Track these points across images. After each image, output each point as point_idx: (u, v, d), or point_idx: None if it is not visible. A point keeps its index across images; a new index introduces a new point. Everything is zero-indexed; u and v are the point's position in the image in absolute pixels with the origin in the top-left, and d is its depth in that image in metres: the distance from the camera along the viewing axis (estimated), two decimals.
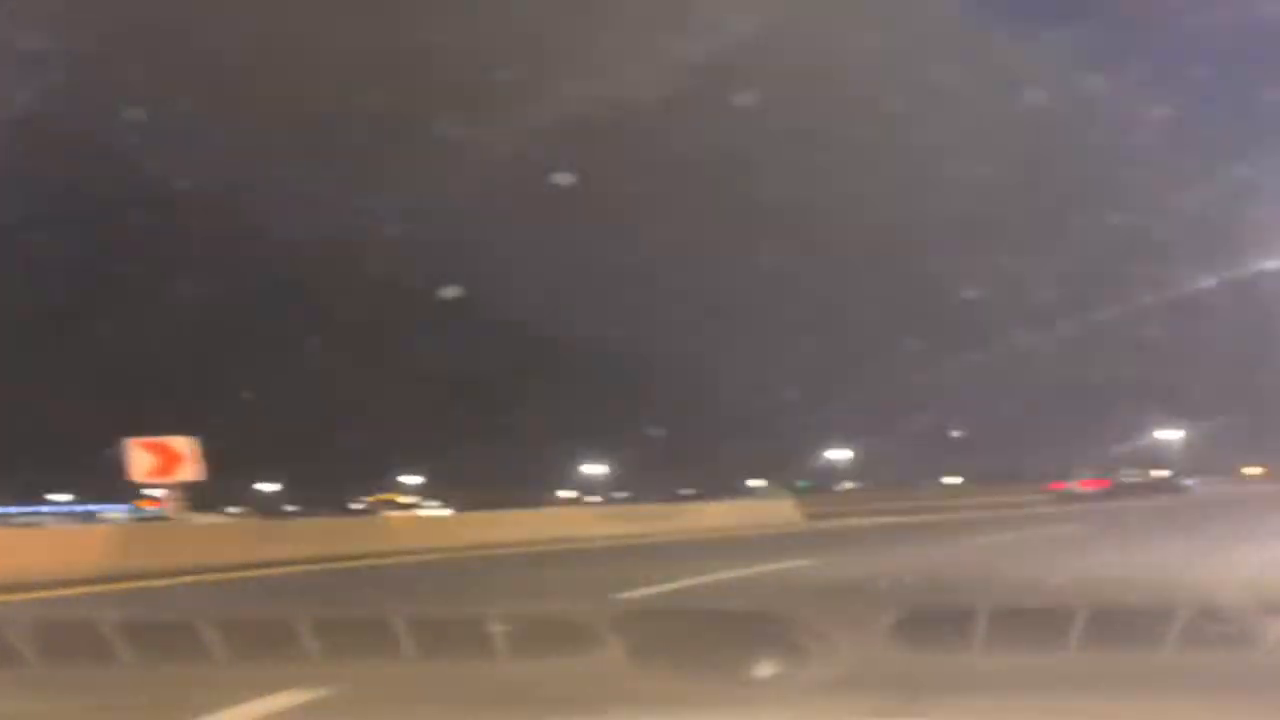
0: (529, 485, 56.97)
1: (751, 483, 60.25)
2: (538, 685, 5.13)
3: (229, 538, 17.67)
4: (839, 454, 68.56)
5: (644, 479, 61.49)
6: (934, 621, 6.29)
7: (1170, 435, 70.08)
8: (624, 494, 61.47)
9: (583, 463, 70.73)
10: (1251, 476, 64.25)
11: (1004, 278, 44.47)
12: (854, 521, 26.17)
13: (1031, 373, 58.14)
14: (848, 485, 64.65)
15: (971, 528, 21.21)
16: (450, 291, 38.76)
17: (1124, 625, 5.80)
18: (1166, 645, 5.09)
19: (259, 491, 68.70)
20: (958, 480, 59.64)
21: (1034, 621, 6.02)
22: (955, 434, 68.55)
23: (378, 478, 65.48)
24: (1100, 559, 13.38)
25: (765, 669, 5.03)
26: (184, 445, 16.13)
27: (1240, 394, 59.00)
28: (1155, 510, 27.38)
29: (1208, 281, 38.52)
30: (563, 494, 65.57)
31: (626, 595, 9.60)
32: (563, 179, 29.83)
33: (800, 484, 61.98)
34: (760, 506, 26.94)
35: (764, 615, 6.94)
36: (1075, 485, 46.15)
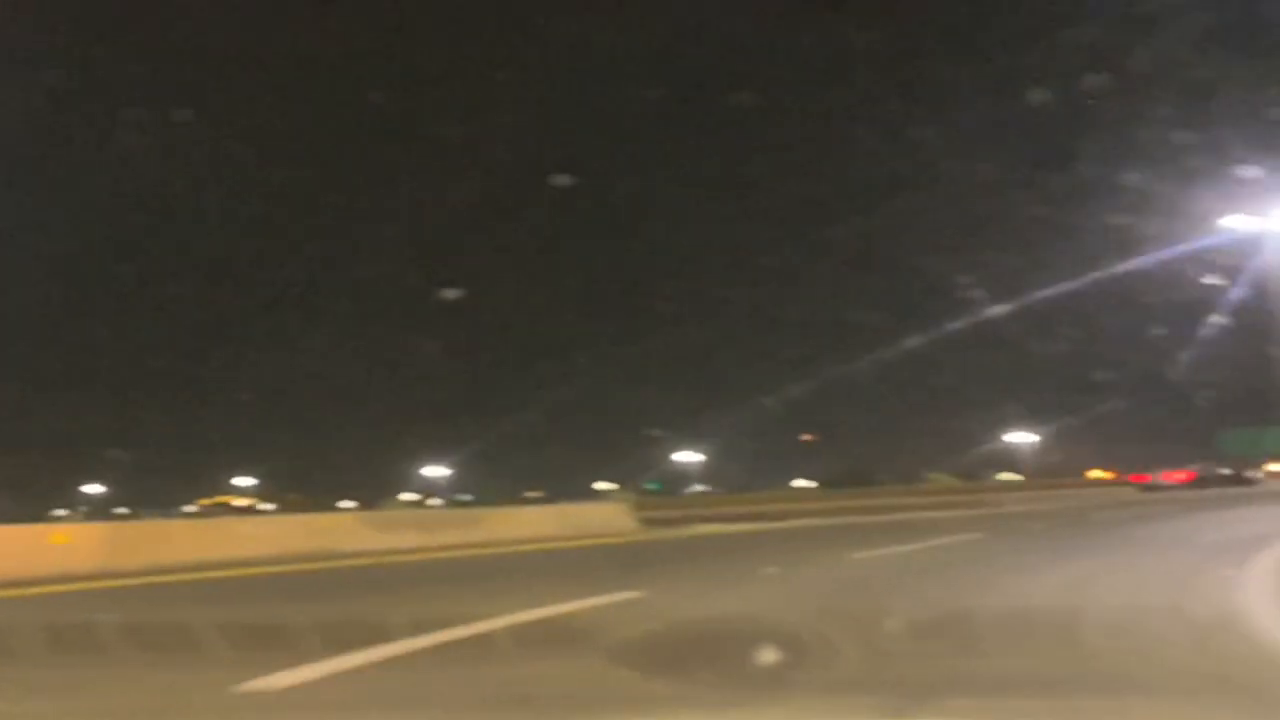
0: (369, 487, 55.48)
1: (600, 485, 58.50)
2: None
3: None
4: (688, 457, 67.28)
5: (493, 480, 60.19)
6: None
7: (1021, 438, 69.00)
8: (467, 496, 59.83)
9: (427, 464, 68.71)
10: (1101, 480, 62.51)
11: (866, 292, 43.76)
12: (699, 529, 21.76)
13: (886, 380, 57.30)
14: (698, 488, 63.48)
15: (844, 536, 16.85)
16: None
17: None
18: None
19: (86, 494, 67.52)
20: (809, 484, 58.21)
21: None
22: (805, 438, 67.81)
23: (213, 480, 63.11)
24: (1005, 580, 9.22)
25: None
26: None
27: (1084, 399, 57.71)
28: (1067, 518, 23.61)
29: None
30: (405, 496, 63.96)
31: (247, 687, 4.79)
32: None
33: (650, 486, 59.95)
34: (586, 511, 22.15)
35: None
36: (1159, 478, 49.97)
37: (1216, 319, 35.81)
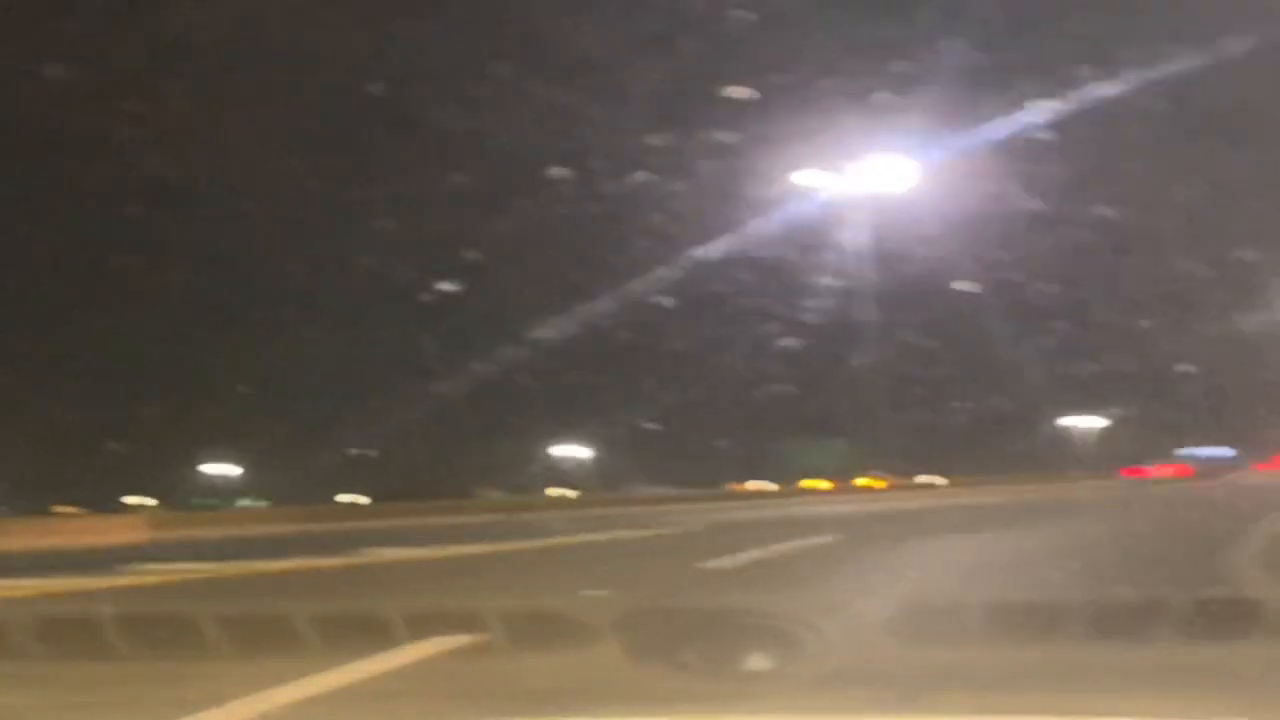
0: None
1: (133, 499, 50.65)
2: None
3: None
4: (223, 469, 60.92)
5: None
6: None
7: (573, 452, 67.34)
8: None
9: None
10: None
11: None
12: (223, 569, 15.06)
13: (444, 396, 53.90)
14: (245, 503, 56.80)
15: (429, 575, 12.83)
16: None
17: None
18: None
19: None
20: (362, 499, 53.33)
21: None
22: (355, 452, 63.23)
23: None
24: None
25: None
26: None
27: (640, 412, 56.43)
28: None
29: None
30: None
31: None
32: None
33: (204, 501, 53.97)
34: None
35: None
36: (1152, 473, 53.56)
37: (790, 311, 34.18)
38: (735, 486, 53.88)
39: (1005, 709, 4.57)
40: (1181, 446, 66.27)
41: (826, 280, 31.48)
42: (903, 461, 48.56)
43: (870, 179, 29.60)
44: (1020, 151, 28.02)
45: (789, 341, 37.91)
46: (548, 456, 66.95)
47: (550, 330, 39.09)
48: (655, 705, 4.99)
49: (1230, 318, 54.20)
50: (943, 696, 4.91)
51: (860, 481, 47.08)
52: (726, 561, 12.50)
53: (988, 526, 19.30)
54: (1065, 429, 63.52)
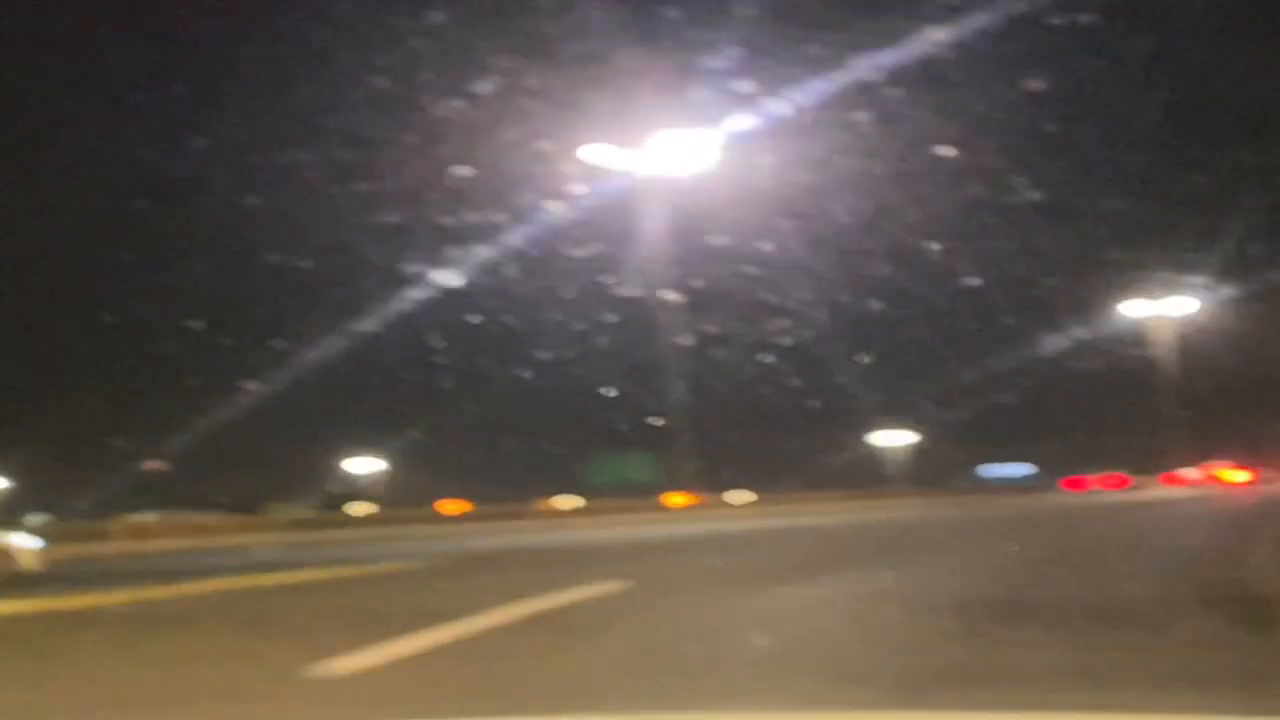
0: None
1: None
2: None
3: None
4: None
5: None
6: None
7: (366, 466, 64.33)
8: None
9: None
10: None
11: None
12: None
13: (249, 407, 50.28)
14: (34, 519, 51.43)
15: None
16: None
17: None
18: None
19: None
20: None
21: None
22: (151, 466, 58.95)
23: None
24: None
25: None
26: None
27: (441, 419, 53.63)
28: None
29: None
30: None
31: None
32: None
33: None
34: None
35: None
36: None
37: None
38: (544, 503, 51.23)
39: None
40: (988, 463, 66.87)
41: (629, 277, 29.15)
42: (713, 476, 46.74)
43: (667, 157, 27.37)
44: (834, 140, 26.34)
45: (594, 346, 35.49)
46: (342, 470, 63.64)
47: (341, 341, 35.88)
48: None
49: (1039, 338, 54.76)
50: None
51: (675, 499, 44.87)
52: (399, 648, 6.92)
53: (833, 566, 13.25)
54: (876, 445, 62.90)
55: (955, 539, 19.11)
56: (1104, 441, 59.89)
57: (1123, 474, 58.15)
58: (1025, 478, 64.80)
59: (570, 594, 9.80)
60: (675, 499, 43.67)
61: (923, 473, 60.50)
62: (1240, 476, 58.53)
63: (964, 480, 61.91)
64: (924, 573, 12.09)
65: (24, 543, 17.45)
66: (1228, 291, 51.72)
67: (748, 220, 29.11)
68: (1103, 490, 53.02)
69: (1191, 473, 59.33)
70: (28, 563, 16.74)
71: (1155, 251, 55.39)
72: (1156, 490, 49.93)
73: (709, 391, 43.15)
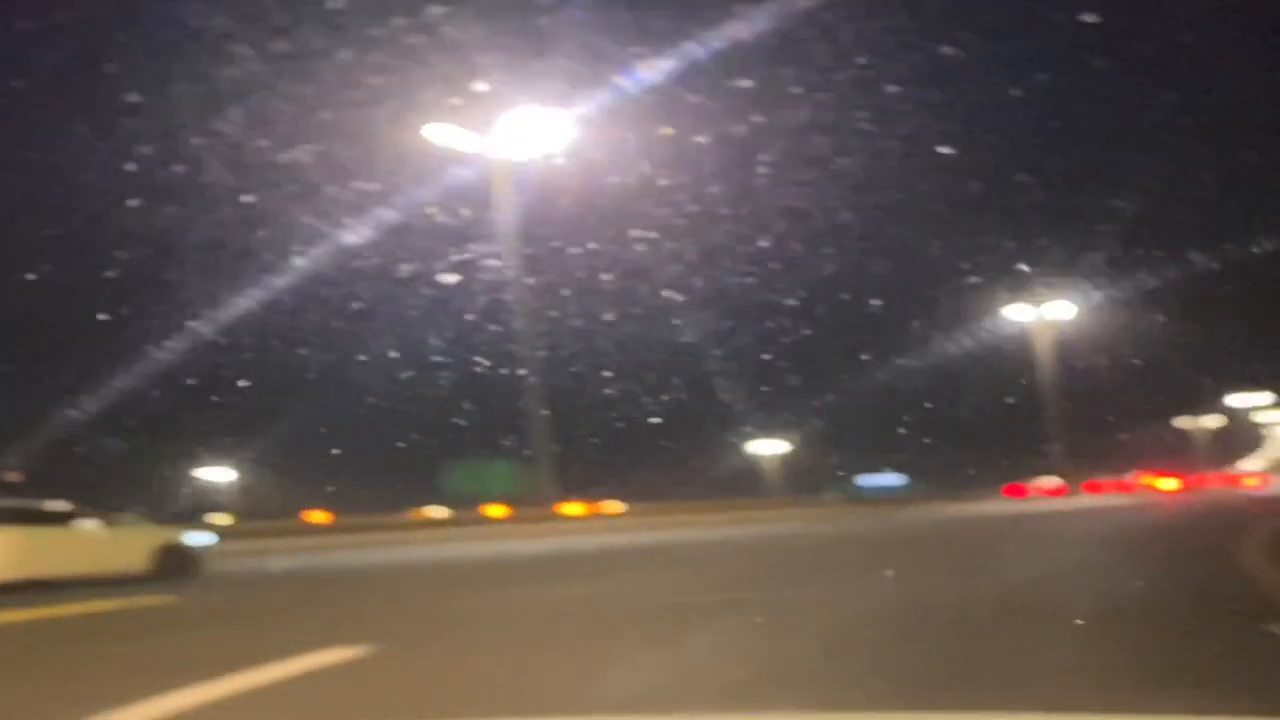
0: None
1: None
2: None
3: None
4: None
5: None
6: None
7: (222, 475, 61.03)
8: None
9: None
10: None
11: None
12: None
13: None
14: None
15: None
16: None
17: None
18: None
19: None
20: None
21: None
22: (10, 477, 54.75)
23: None
24: None
25: None
26: None
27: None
28: None
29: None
30: None
31: None
32: None
33: None
34: None
35: None
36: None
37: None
38: (413, 514, 48.67)
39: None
40: (864, 472, 66.01)
41: (483, 274, 26.98)
42: (579, 485, 44.60)
43: (519, 138, 25.26)
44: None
45: (451, 345, 33.19)
46: (196, 480, 60.27)
47: (185, 342, 33.18)
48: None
49: (918, 346, 53.91)
50: None
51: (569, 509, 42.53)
52: None
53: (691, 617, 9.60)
54: (751, 453, 61.40)
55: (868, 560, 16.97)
56: (986, 450, 59.41)
57: (1061, 482, 57.40)
58: (901, 488, 64.08)
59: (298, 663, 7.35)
60: (543, 510, 41.42)
61: (799, 482, 59.21)
62: (1170, 484, 58.22)
63: (841, 490, 60.67)
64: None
65: None
66: (1107, 295, 51.56)
67: (608, 208, 27.30)
68: (1041, 498, 51.37)
69: (1118, 480, 59.18)
70: None
71: (1034, 257, 55.10)
72: (1092, 498, 48.65)
73: (573, 395, 41.20)
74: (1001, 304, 52.57)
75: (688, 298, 36.23)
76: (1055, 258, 53.02)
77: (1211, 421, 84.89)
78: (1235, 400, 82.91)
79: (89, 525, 16.43)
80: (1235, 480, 55.46)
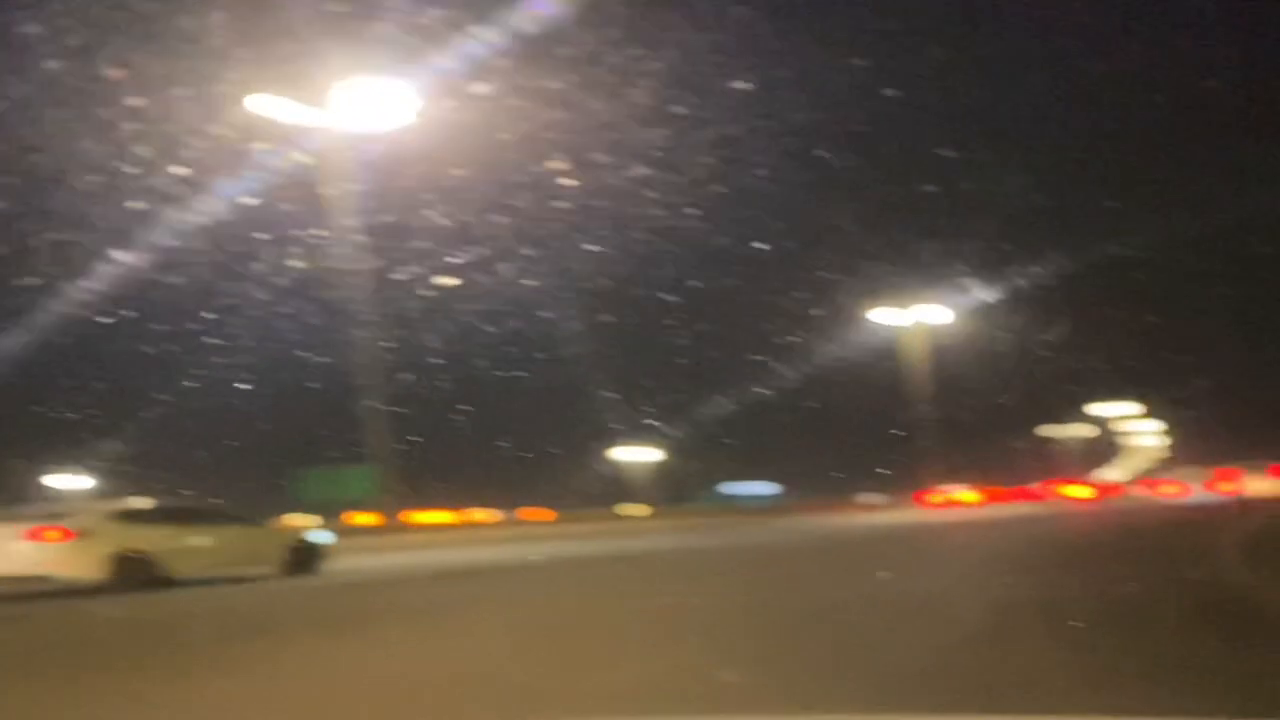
0: None
1: None
2: None
3: None
4: None
5: None
6: None
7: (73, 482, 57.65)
8: None
9: None
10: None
11: None
12: None
13: None
14: None
15: None
16: None
17: None
18: None
19: None
20: None
21: None
22: None
23: None
24: None
25: None
26: None
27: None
28: None
29: None
30: None
31: None
32: None
33: None
34: None
35: None
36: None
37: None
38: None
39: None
40: (732, 480, 64.80)
41: (322, 260, 24.91)
42: (442, 491, 42.60)
43: (357, 111, 23.26)
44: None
45: (289, 339, 30.91)
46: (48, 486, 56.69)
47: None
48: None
49: (787, 351, 53.00)
50: None
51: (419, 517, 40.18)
52: None
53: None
54: (618, 461, 59.70)
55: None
56: (860, 457, 58.81)
57: (977, 486, 56.55)
58: (770, 497, 63.06)
59: None
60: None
61: (666, 490, 57.78)
62: (1084, 492, 58.36)
63: (708, 499, 59.43)
64: None
65: None
66: (981, 299, 51.18)
67: (460, 190, 25.45)
68: (955, 508, 49.53)
69: (1029, 488, 59.20)
70: None
71: (905, 261, 54.59)
72: (1008, 508, 47.12)
73: (431, 396, 39.22)
74: (875, 308, 51.77)
75: (549, 291, 34.46)
76: (928, 263, 52.56)
77: (1079, 430, 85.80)
78: (1098, 410, 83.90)
79: (240, 527, 17.26)
80: (1153, 487, 55.18)
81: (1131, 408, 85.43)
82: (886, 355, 53.04)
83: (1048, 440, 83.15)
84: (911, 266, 51.72)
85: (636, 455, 59.69)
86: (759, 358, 54.16)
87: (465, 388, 43.02)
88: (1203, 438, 76.47)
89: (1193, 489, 48.25)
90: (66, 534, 14.58)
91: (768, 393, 53.80)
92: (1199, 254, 66.05)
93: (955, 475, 55.29)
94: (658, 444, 59.16)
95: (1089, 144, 61.30)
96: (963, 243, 54.93)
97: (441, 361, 39.03)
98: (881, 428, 57.80)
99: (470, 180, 25.78)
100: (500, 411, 49.70)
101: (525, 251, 29.71)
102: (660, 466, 60.24)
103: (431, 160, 24.81)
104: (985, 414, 62.17)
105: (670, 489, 58.13)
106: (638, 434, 57.23)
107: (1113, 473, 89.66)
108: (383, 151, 24.04)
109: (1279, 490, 45.51)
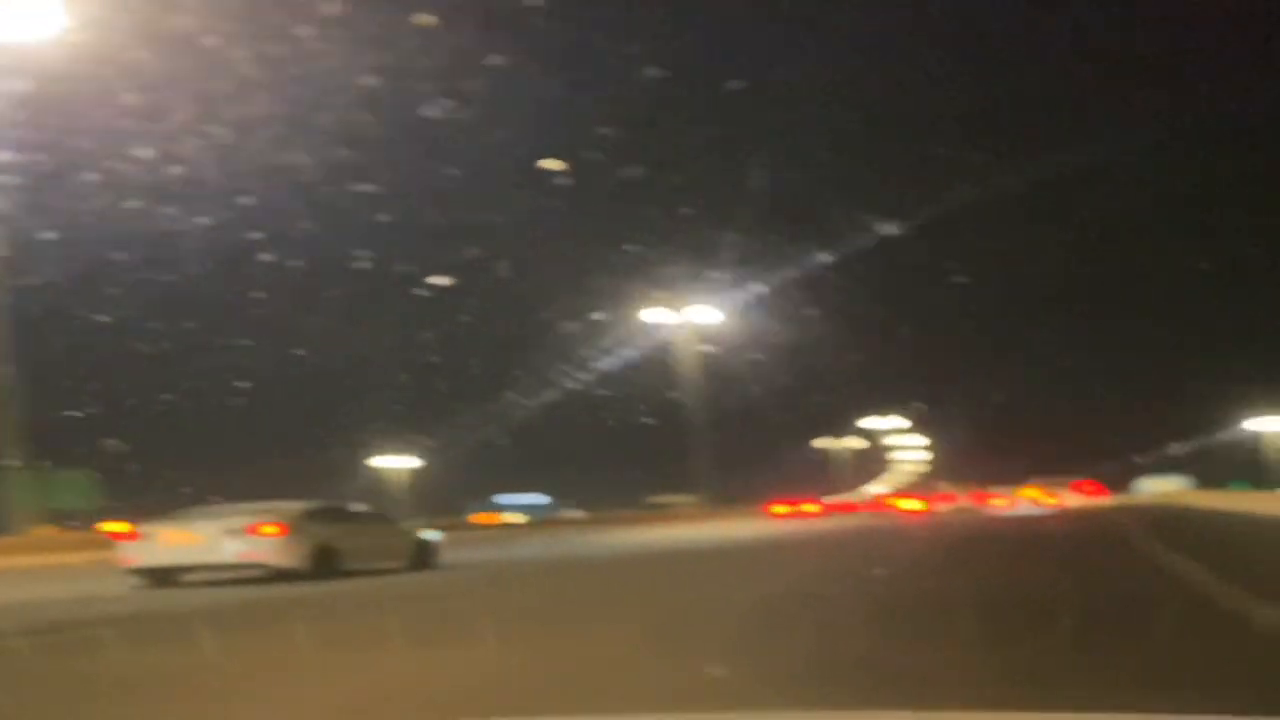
0: None
1: None
2: None
3: None
4: None
5: None
6: None
7: None
8: None
9: None
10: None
11: None
12: None
13: None
14: None
15: None
16: None
17: None
18: None
19: None
20: None
21: None
22: None
23: None
24: None
25: None
26: None
27: None
28: None
29: None
30: None
31: None
32: None
33: None
34: None
35: None
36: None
37: None
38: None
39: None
40: (501, 492, 63.11)
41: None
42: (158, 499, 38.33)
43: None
44: None
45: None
46: None
47: None
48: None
49: (554, 358, 51.17)
50: None
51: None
52: None
53: None
54: (377, 468, 56.22)
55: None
56: (635, 467, 57.68)
57: (812, 497, 55.25)
58: (542, 507, 61.36)
59: None
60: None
61: (429, 500, 54.62)
62: (914, 505, 58.69)
63: (476, 509, 56.65)
64: None
65: None
66: (750, 299, 49.95)
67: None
68: (797, 519, 47.49)
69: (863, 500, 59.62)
70: None
71: (673, 260, 52.93)
72: (840, 518, 45.78)
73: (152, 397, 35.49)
74: (643, 309, 49.71)
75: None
76: (694, 262, 51.09)
77: (851, 443, 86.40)
78: (868, 423, 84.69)
79: (383, 524, 19.03)
80: (982, 500, 55.63)
81: (899, 421, 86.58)
82: (663, 360, 51.23)
83: (822, 451, 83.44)
84: (679, 264, 50.10)
85: (397, 463, 56.48)
86: (528, 362, 51.95)
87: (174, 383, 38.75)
88: (961, 455, 78.21)
89: (1019, 503, 50.60)
90: (283, 529, 15.94)
91: (527, 403, 51.60)
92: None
93: (748, 487, 54.32)
94: (421, 452, 56.23)
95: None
96: (721, 240, 53.72)
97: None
98: (656, 436, 56.39)
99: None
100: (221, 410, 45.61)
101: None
102: (423, 475, 57.10)
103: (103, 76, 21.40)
104: (761, 423, 61.26)
105: (436, 500, 54.97)
106: (399, 441, 54.32)
107: (881, 486, 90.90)
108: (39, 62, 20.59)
109: (1091, 503, 50.19)
